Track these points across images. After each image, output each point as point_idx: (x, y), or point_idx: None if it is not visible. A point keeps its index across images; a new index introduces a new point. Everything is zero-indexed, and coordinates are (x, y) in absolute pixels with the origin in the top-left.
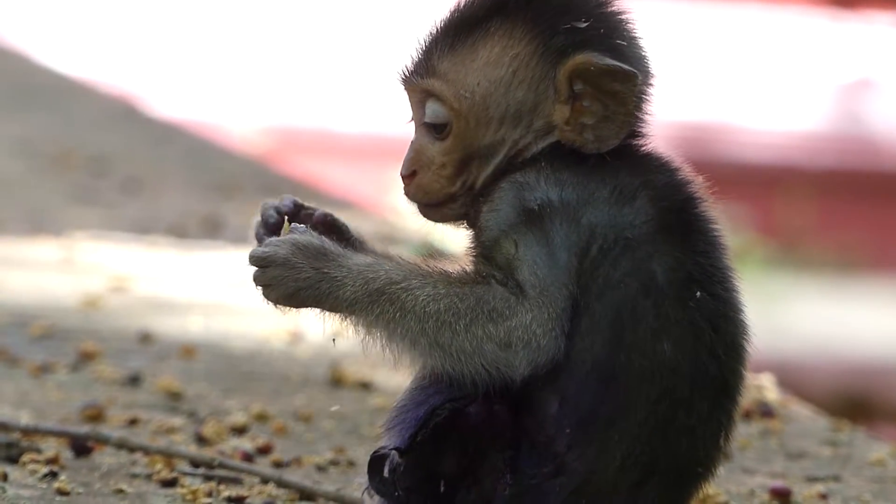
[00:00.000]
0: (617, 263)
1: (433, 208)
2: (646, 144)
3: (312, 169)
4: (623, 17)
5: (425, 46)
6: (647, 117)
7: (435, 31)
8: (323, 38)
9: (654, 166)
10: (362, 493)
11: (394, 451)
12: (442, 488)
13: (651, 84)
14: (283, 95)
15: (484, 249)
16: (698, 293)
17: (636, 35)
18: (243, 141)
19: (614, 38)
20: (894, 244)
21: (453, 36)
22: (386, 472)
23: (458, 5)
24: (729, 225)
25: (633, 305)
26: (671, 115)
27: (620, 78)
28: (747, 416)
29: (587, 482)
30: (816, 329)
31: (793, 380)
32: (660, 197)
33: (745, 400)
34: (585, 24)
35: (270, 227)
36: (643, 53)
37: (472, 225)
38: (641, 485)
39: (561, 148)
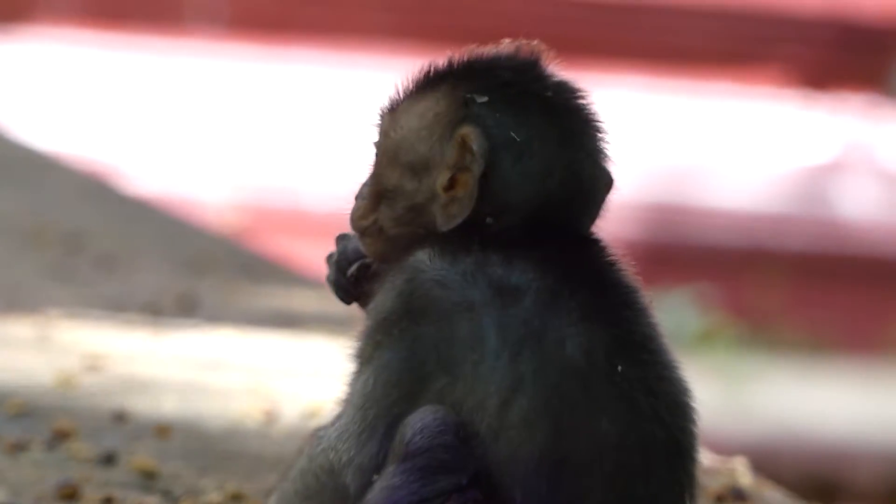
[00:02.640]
0: (519, 358)
1: (360, 238)
2: (561, 228)
3: (286, 247)
4: (550, 103)
5: (405, 86)
6: (565, 202)
7: (419, 75)
8: (296, 116)
9: (556, 252)
10: None
11: None
12: None
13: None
14: (257, 173)
15: (356, 345)
16: (619, 367)
17: (553, 124)
18: (217, 218)
19: (520, 125)
20: (864, 327)
21: (418, 84)
22: None
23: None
24: (698, 306)
25: (560, 394)
26: (640, 197)
27: (474, 164)
28: (720, 500)
29: None
30: (786, 411)
31: (762, 461)
32: (553, 285)
33: (718, 484)
34: (486, 100)
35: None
36: (544, 145)
37: (373, 285)
38: None
39: (451, 234)
